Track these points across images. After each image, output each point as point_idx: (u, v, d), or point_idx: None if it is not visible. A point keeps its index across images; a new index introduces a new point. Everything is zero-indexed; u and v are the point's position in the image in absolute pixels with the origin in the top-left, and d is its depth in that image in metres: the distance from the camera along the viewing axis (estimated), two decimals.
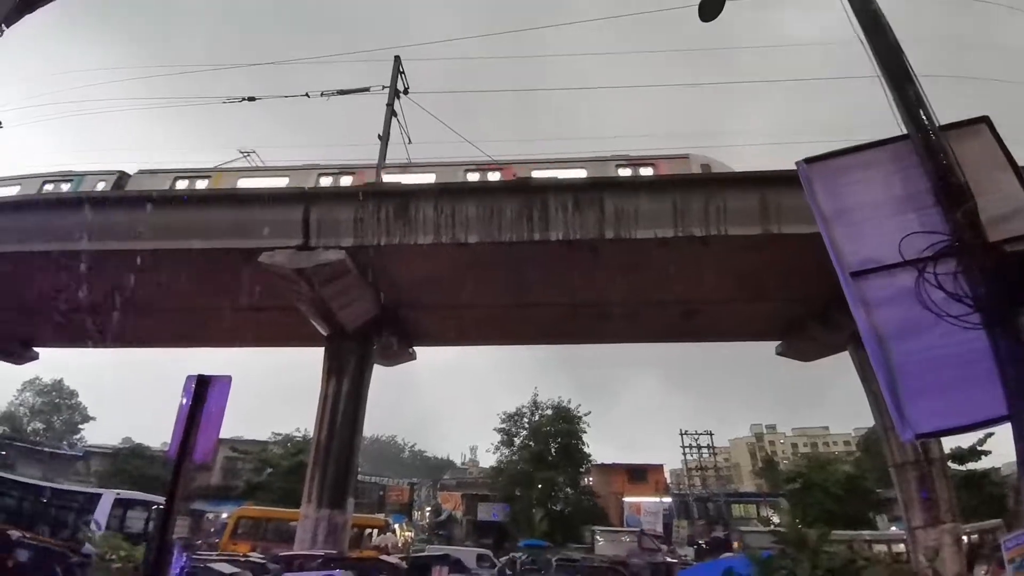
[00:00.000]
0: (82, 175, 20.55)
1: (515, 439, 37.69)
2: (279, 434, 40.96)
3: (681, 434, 46.16)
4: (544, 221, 16.69)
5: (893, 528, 26.18)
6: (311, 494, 18.02)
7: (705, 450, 46.18)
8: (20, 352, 27.36)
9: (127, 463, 35.55)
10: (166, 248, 17.36)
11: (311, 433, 21.55)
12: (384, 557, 15.84)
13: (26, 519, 14.50)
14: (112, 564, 5.60)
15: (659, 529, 35.03)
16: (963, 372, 3.19)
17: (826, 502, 26.84)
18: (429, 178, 19.62)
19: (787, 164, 5.14)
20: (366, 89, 22.36)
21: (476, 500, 43.01)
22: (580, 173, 18.81)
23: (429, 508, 55.68)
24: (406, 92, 22.85)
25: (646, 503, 38.42)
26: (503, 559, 22.41)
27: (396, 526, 33.73)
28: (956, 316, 3.19)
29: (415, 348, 25.00)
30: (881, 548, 22.25)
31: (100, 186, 19.91)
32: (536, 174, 18.77)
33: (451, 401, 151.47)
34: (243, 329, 23.27)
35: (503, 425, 37.93)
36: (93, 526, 13.58)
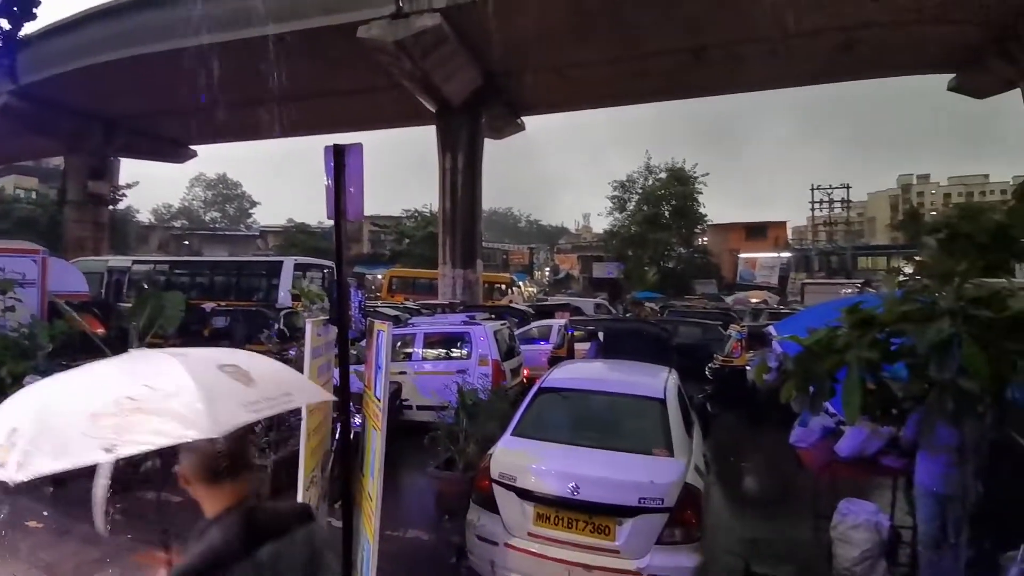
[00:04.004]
0: None
1: (627, 204, 37.89)
2: (408, 210, 45.29)
3: (812, 189, 42.78)
4: None
5: None
6: (445, 256, 20.60)
7: (838, 205, 42.95)
8: (175, 151, 31.28)
9: (294, 238, 42.24)
10: (284, 32, 17.40)
11: (436, 207, 23.47)
12: (514, 305, 18.33)
13: (219, 291, 16.56)
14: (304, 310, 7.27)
15: (774, 282, 35.67)
16: None
17: (970, 253, 24.63)
18: None
19: None
20: None
21: (591, 260, 46.14)
22: None
23: (548, 268, 61.06)
24: None
25: (762, 258, 38.51)
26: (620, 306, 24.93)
27: (520, 283, 38.03)
28: None
29: (523, 119, 24.40)
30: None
31: None
32: None
33: (563, 170, 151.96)
34: (358, 112, 24.13)
35: (615, 193, 37.91)
36: (281, 288, 15.47)
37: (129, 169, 35.84)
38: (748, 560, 4.12)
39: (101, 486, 2.13)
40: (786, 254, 39.30)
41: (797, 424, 4.68)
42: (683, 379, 4.90)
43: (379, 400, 3.03)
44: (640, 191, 37.33)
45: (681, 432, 3.81)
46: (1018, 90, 17.10)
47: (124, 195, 37.72)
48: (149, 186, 52.90)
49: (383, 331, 3.18)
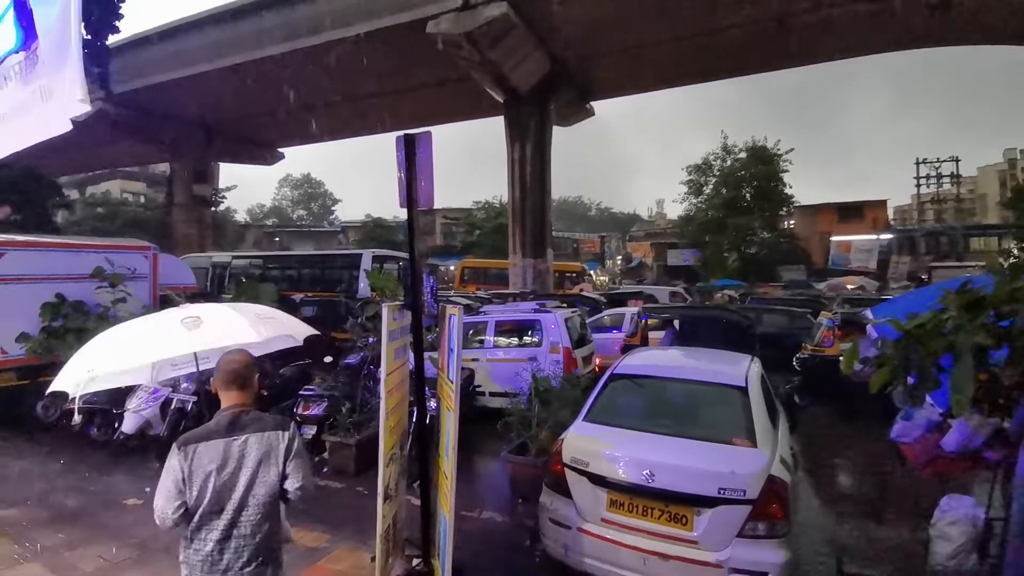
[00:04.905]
0: None
1: (704, 187, 36.07)
2: (479, 201, 46.03)
3: (917, 163, 38.50)
4: None
5: None
6: (515, 246, 20.72)
7: (946, 180, 38.37)
8: (266, 154, 33.53)
9: (373, 232, 44.22)
10: (345, 36, 18.18)
11: (506, 198, 23.60)
12: (585, 293, 18.14)
13: (306, 283, 17.83)
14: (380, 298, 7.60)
15: (872, 266, 32.76)
16: None
17: None
18: None
19: None
20: None
21: (665, 247, 44.58)
22: None
23: (620, 257, 59.77)
24: None
25: (857, 240, 35.35)
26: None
27: (591, 272, 37.52)
28: None
29: (592, 104, 23.89)
30: None
31: None
32: None
33: (634, 156, 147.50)
34: (429, 107, 24.67)
35: (690, 177, 36.16)
36: (361, 279, 16.24)
37: (224, 172, 39.01)
38: (841, 559, 3.85)
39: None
40: (886, 236, 35.86)
41: (900, 418, 4.32)
42: (768, 369, 4.63)
43: (452, 382, 3.11)
44: (717, 173, 35.45)
45: (765, 422, 3.61)
46: None
47: (224, 197, 41.27)
48: (243, 187, 57.54)
49: (454, 315, 3.24)
